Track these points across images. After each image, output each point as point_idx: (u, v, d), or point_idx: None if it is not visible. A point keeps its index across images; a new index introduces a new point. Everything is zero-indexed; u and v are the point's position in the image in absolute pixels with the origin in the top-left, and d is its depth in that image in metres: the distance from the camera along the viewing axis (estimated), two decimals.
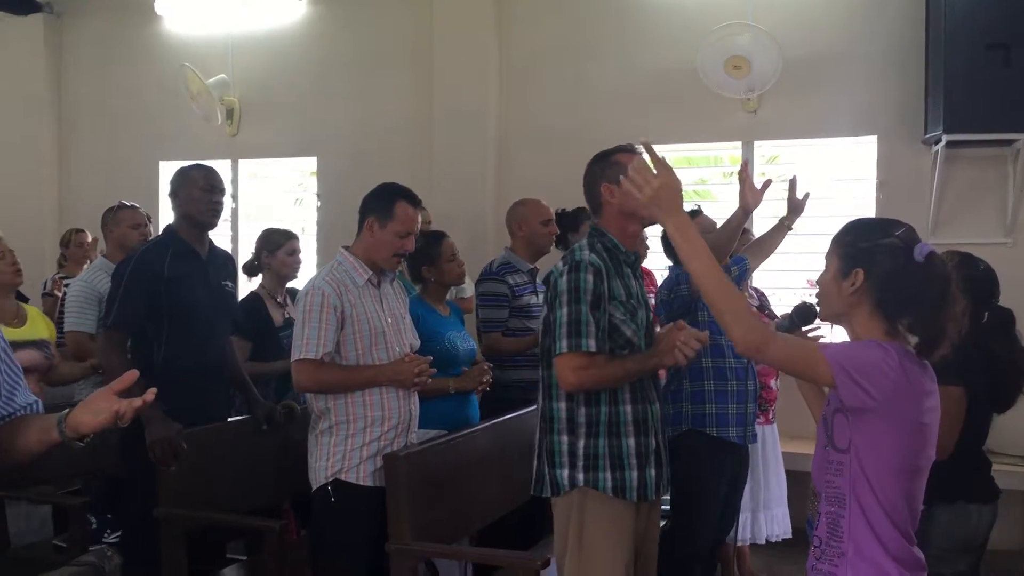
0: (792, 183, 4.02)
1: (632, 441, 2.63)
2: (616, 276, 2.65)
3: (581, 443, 2.61)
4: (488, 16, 6.11)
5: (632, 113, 5.69)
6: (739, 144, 5.70)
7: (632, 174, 2.13)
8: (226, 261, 3.73)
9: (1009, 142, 4.85)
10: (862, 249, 1.99)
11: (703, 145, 5.94)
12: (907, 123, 5.18)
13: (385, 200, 3.13)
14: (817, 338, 2.49)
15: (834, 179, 5.62)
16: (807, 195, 4.00)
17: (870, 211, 5.30)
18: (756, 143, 5.67)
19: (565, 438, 2.63)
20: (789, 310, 2.47)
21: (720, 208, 5.55)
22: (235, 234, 6.90)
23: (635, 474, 2.62)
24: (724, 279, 2.01)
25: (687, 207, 3.81)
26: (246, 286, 4.46)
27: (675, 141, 5.70)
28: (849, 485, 1.95)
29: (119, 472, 3.44)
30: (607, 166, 2.71)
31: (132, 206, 4.57)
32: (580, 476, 2.60)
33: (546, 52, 6.03)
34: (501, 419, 3.54)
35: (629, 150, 2.75)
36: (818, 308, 2.18)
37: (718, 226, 3.72)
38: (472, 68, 6.11)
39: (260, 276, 4.32)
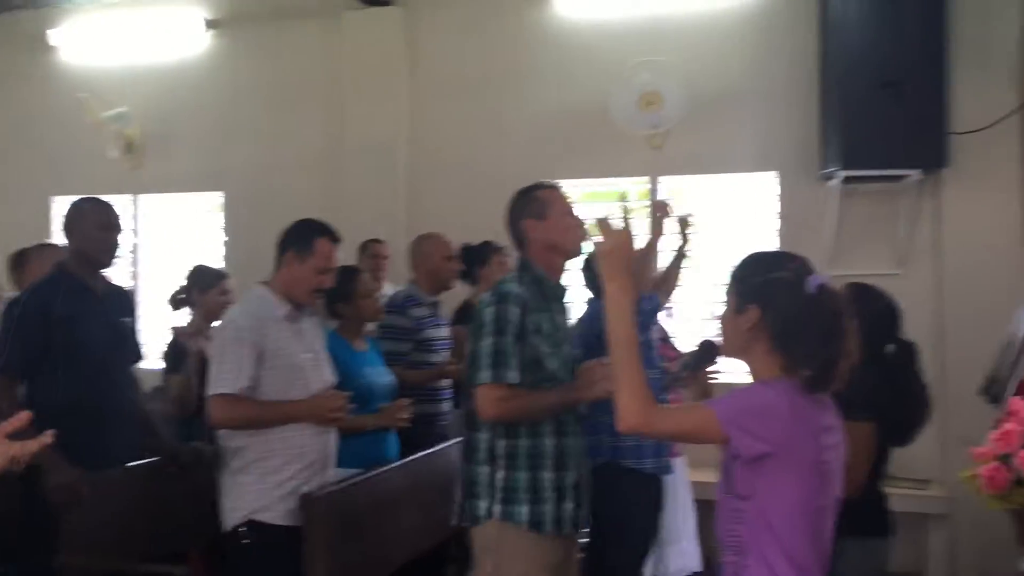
0: (662, 205, 4.11)
1: (550, 474, 2.64)
2: (542, 309, 2.68)
3: (500, 474, 2.62)
4: (399, 50, 6.13)
5: (541, 148, 5.76)
6: (646, 179, 5.81)
7: (609, 223, 2.07)
8: (123, 297, 3.60)
9: (902, 177, 5.06)
10: (755, 284, 1.98)
11: (609, 180, 6.03)
12: (806, 159, 5.37)
13: (305, 235, 3.09)
14: (711, 388, 2.46)
15: (737, 214, 5.77)
16: (687, 216, 4.08)
17: (772, 245, 5.44)
18: (661, 178, 5.79)
19: (485, 468, 2.64)
20: (694, 345, 2.48)
21: None
22: (135, 270, 6.68)
23: (552, 507, 2.63)
24: (635, 354, 1.97)
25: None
26: (156, 320, 4.33)
27: (583, 176, 5.79)
28: (750, 533, 1.92)
29: (21, 519, 3.26)
30: (529, 202, 2.79)
31: (51, 244, 4.39)
32: (497, 508, 2.61)
33: (456, 86, 6.07)
34: (418, 456, 3.51)
35: (549, 186, 2.82)
36: (720, 345, 2.15)
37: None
38: (382, 102, 6.11)
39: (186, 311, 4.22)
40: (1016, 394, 3.37)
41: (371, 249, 5.40)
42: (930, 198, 5.20)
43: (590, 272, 3.88)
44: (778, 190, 5.54)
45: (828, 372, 1.93)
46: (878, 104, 4.84)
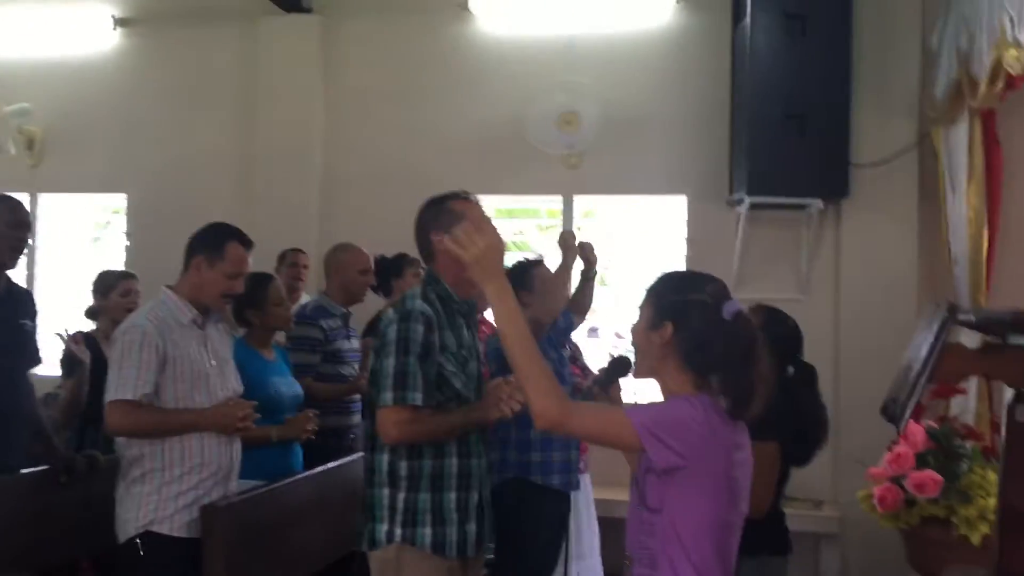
0: (567, 236, 4.15)
1: (454, 495, 2.60)
2: (448, 326, 2.63)
3: (401, 496, 2.57)
4: (314, 54, 6.06)
5: (458, 161, 5.75)
6: (559, 197, 5.88)
7: (458, 234, 2.06)
8: (26, 299, 3.46)
9: (804, 206, 5.23)
10: (672, 302, 2.00)
11: (523, 197, 6.08)
12: (714, 184, 5.50)
13: (216, 239, 3.02)
14: (623, 404, 2.47)
15: (646, 235, 5.89)
16: (588, 245, 4.10)
17: (679, 267, 5.53)
18: (575, 197, 5.86)
19: (386, 491, 2.58)
20: (605, 361, 2.50)
21: None
22: (31, 272, 6.42)
23: (455, 529, 2.59)
24: (535, 349, 1.96)
25: (531, 256, 3.92)
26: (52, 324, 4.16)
27: (498, 192, 5.78)
28: (661, 546, 1.94)
29: None
30: (439, 213, 2.69)
31: None
32: (398, 531, 2.55)
33: (374, 93, 6.02)
34: (324, 468, 3.45)
35: (462, 197, 2.76)
36: (632, 361, 2.17)
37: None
38: (297, 109, 6.03)
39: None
40: (913, 417, 3.53)
41: (291, 258, 5.32)
42: (831, 227, 5.39)
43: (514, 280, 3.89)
44: (686, 214, 5.65)
45: (746, 397, 1.97)
46: (784, 134, 5.00)
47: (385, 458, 2.59)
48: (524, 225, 6.76)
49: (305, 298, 5.15)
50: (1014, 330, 1.74)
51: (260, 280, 3.57)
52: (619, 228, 6.00)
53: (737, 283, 5.35)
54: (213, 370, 2.99)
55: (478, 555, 2.74)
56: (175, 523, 2.84)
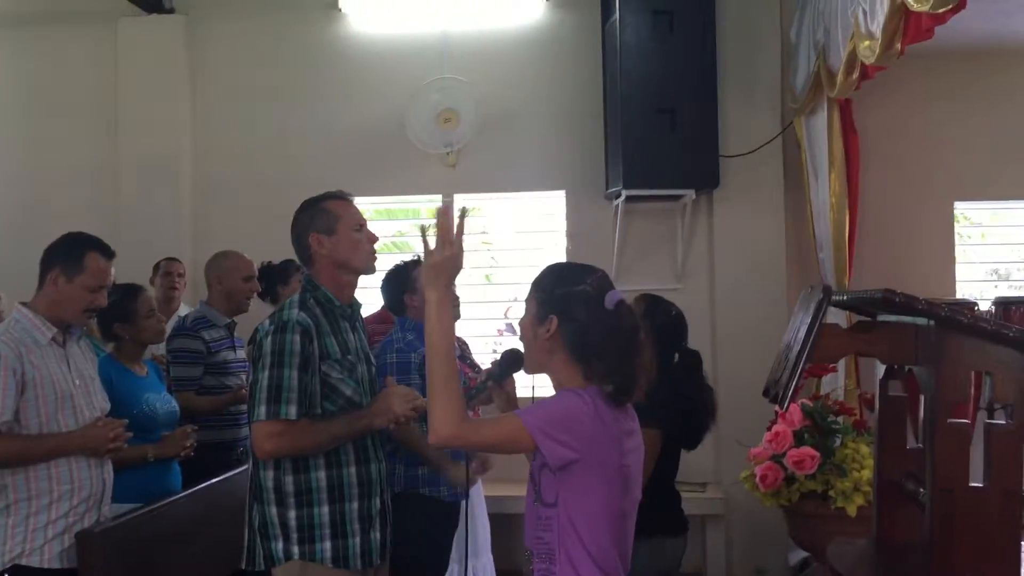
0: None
1: (356, 505, 2.55)
2: (330, 333, 2.56)
3: (292, 513, 2.49)
4: (179, 55, 5.86)
5: (335, 164, 5.66)
6: (439, 197, 5.85)
7: (442, 224, 2.02)
8: None
9: (677, 197, 5.36)
10: (557, 295, 2.02)
11: (404, 197, 6.04)
12: (592, 179, 5.59)
13: (73, 251, 2.85)
14: (516, 398, 2.48)
15: (528, 231, 5.93)
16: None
17: (560, 258, 5.62)
18: (456, 196, 5.84)
19: (275, 509, 2.50)
20: (496, 356, 2.50)
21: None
22: None
23: (358, 540, 2.53)
24: (454, 368, 1.98)
25: (411, 257, 3.86)
26: None
27: (378, 193, 5.74)
28: (558, 539, 1.96)
29: None
30: (316, 214, 2.61)
31: None
32: (295, 549, 2.48)
33: (245, 95, 5.86)
34: (205, 484, 3.32)
35: (339, 197, 2.70)
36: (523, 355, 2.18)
37: None
38: (162, 113, 5.80)
39: None
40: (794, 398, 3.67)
41: (165, 267, 5.13)
42: (704, 217, 5.54)
43: (392, 288, 3.85)
44: (566, 209, 5.72)
45: (629, 385, 2.01)
46: (655, 128, 5.12)
47: (270, 475, 2.51)
48: (404, 226, 6.72)
49: (185, 309, 4.98)
50: (883, 308, 1.82)
51: (128, 292, 3.41)
52: (501, 226, 6.01)
53: (617, 275, 5.44)
54: (78, 390, 2.84)
55: (384, 562, 2.69)
56: (46, 554, 2.69)
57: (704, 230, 5.56)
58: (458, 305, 4.53)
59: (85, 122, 5.90)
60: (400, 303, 3.76)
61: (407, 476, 3.44)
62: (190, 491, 3.26)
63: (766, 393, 1.96)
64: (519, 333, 2.13)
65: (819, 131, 5.03)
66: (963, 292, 5.58)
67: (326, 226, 2.61)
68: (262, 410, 2.43)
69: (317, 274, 2.64)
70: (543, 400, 2.03)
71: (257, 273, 4.37)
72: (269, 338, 2.48)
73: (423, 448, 3.26)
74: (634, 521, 2.08)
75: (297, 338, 2.46)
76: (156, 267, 5.12)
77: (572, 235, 5.69)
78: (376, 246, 2.71)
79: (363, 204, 5.85)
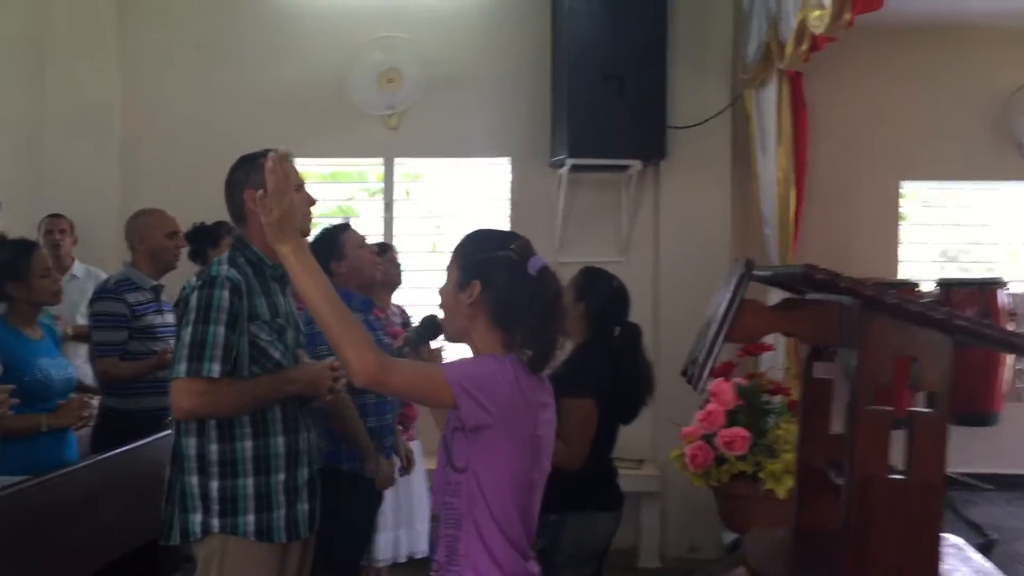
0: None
1: (283, 476, 2.42)
2: (260, 293, 2.44)
3: (215, 484, 2.35)
4: (106, 7, 5.57)
5: (273, 122, 5.43)
6: (380, 160, 5.68)
7: (270, 192, 2.00)
8: None
9: (624, 168, 5.25)
10: (479, 261, 1.99)
11: (348, 160, 5.84)
12: (537, 146, 5.45)
13: None
14: (436, 355, 2.47)
15: (472, 198, 5.79)
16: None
17: (503, 227, 5.51)
18: (397, 160, 5.68)
19: (195, 478, 2.36)
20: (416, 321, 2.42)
21: (364, 224, 5.53)
22: None
23: (283, 512, 2.41)
24: (342, 307, 1.92)
25: (338, 221, 3.72)
26: None
27: (316, 155, 5.55)
28: (466, 505, 1.92)
29: None
30: (253, 170, 2.42)
31: None
32: (215, 522, 2.35)
33: (177, 51, 5.60)
34: (108, 455, 3.14)
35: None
36: (441, 321, 2.14)
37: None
38: (89, 65, 5.52)
39: None
40: (723, 374, 3.58)
41: (46, 225, 4.88)
42: (650, 189, 5.44)
43: (318, 254, 3.66)
44: (511, 176, 5.58)
45: (548, 352, 1.98)
46: (603, 96, 5.00)
47: (192, 442, 2.37)
48: (350, 190, 6.54)
49: (82, 269, 4.87)
50: (808, 285, 1.71)
51: (22, 249, 3.19)
52: (444, 192, 5.87)
53: (560, 246, 5.36)
54: None
55: (312, 535, 2.57)
56: None
57: (650, 202, 5.46)
58: (399, 272, 4.40)
59: (6, 76, 5.59)
60: (327, 270, 3.57)
61: (329, 452, 3.29)
62: (87, 462, 3.07)
63: (684, 373, 1.86)
64: (440, 300, 2.07)
65: (768, 104, 4.95)
66: (909, 273, 5.55)
67: (262, 183, 2.45)
68: (183, 367, 2.30)
69: (249, 233, 2.50)
70: (465, 358, 2.00)
71: (188, 234, 4.18)
72: (196, 293, 2.35)
73: (360, 433, 3.18)
74: (541, 494, 2.04)
75: (226, 294, 2.34)
76: (39, 225, 4.89)
77: (515, 203, 5.56)
78: (313, 209, 2.56)
79: (308, 167, 5.79)
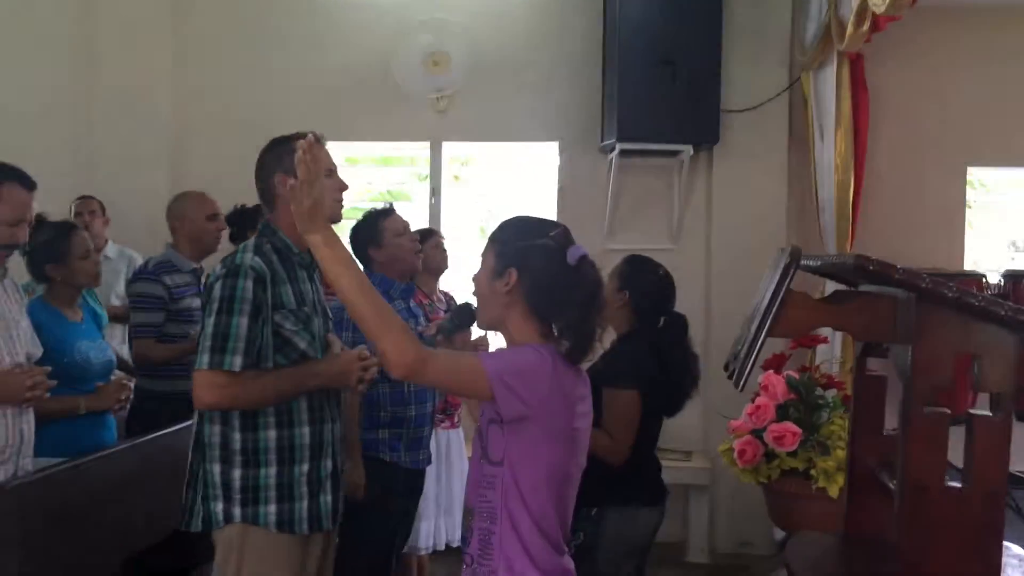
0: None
1: (306, 467, 2.37)
2: (286, 281, 2.38)
3: (237, 473, 2.31)
4: None
5: (320, 107, 5.38)
6: (427, 144, 5.61)
7: (300, 180, 1.95)
8: None
9: (675, 153, 5.10)
10: (518, 248, 1.93)
11: (398, 144, 5.78)
12: (586, 131, 5.33)
13: None
14: (478, 345, 2.41)
15: (520, 183, 5.69)
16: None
17: (551, 213, 5.40)
18: (444, 144, 5.60)
19: (218, 467, 2.32)
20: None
21: (414, 208, 5.48)
22: None
23: (306, 504, 2.36)
24: (377, 296, 1.87)
25: (380, 206, 3.67)
26: None
27: (362, 139, 5.53)
28: (501, 499, 1.87)
29: None
30: (284, 153, 2.36)
31: None
32: (237, 511, 2.30)
33: (228, 38, 5.58)
34: (145, 438, 3.13)
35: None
36: (476, 308, 2.08)
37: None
38: (142, 50, 5.53)
39: None
40: (773, 367, 3.45)
41: (75, 207, 4.88)
42: (703, 174, 5.29)
43: (358, 240, 3.61)
44: (559, 161, 5.47)
45: (587, 343, 1.93)
46: (655, 79, 4.87)
47: (216, 429, 2.33)
48: (402, 174, 6.51)
49: (115, 250, 4.89)
50: (860, 276, 1.58)
51: (62, 231, 3.18)
52: (493, 176, 5.80)
53: (609, 232, 5.26)
54: None
55: (334, 528, 2.52)
56: None
57: (702, 189, 5.31)
58: (446, 258, 4.34)
59: (60, 60, 5.60)
60: (366, 256, 3.52)
61: (366, 440, 3.24)
62: (123, 445, 3.05)
63: (726, 368, 1.75)
64: (474, 287, 2.02)
65: (828, 87, 4.77)
66: (974, 264, 5.32)
67: (292, 167, 2.39)
68: (204, 359, 2.26)
69: (277, 218, 2.44)
70: (503, 349, 1.95)
71: (228, 216, 4.16)
72: (219, 283, 2.29)
73: (351, 428, 3.07)
74: (577, 488, 1.99)
75: (249, 284, 2.27)
76: (69, 208, 4.90)
77: (564, 189, 5.45)
78: (345, 195, 2.50)
79: (359, 150, 5.75)
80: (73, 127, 5.55)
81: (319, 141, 2.01)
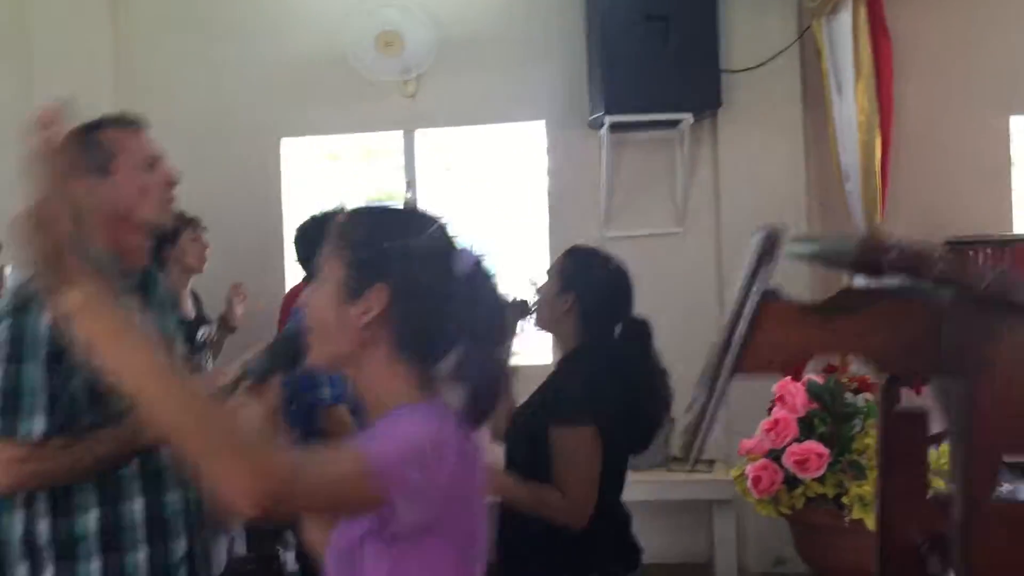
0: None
1: (142, 555, 1.81)
2: None
3: (50, 570, 1.76)
4: None
5: (280, 101, 4.93)
6: (400, 133, 5.08)
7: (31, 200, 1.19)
8: None
9: (674, 123, 4.52)
10: (385, 252, 1.32)
11: (379, 135, 5.27)
12: (573, 106, 4.77)
13: None
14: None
15: (505, 167, 5.18)
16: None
17: (542, 200, 4.92)
18: (418, 131, 5.06)
19: (24, 566, 1.76)
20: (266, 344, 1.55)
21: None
22: None
23: None
24: (192, 387, 1.17)
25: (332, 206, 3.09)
26: None
27: (326, 132, 5.06)
28: None
29: None
30: (86, 149, 1.84)
31: None
32: None
33: (172, 28, 5.09)
34: None
35: (121, 124, 1.94)
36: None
37: None
38: (81, 51, 5.04)
39: None
40: (792, 374, 2.83)
41: None
42: (707, 145, 4.71)
43: (306, 246, 3.04)
44: (546, 142, 4.91)
45: (493, 391, 1.33)
46: (644, 40, 4.31)
47: (18, 517, 1.77)
48: (387, 168, 6.04)
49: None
50: (871, 269, 0.98)
51: None
52: (474, 164, 5.27)
53: (606, 218, 4.70)
54: None
55: None
56: None
57: (708, 162, 4.72)
58: None
59: None
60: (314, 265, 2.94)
61: None
62: None
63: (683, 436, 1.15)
64: (307, 315, 1.38)
65: (843, 35, 4.19)
66: None
67: (99, 164, 1.85)
68: None
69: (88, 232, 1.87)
70: (382, 426, 1.29)
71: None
72: (2, 323, 1.74)
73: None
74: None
75: (44, 320, 1.70)
76: None
77: (553, 172, 4.89)
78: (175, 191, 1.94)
79: (315, 144, 5.26)
80: (13, 139, 5.06)
81: (61, 112, 1.27)
